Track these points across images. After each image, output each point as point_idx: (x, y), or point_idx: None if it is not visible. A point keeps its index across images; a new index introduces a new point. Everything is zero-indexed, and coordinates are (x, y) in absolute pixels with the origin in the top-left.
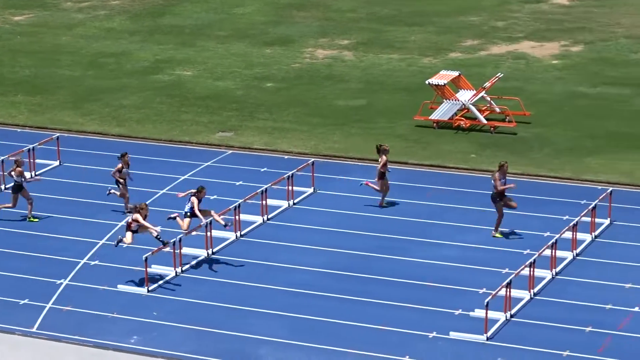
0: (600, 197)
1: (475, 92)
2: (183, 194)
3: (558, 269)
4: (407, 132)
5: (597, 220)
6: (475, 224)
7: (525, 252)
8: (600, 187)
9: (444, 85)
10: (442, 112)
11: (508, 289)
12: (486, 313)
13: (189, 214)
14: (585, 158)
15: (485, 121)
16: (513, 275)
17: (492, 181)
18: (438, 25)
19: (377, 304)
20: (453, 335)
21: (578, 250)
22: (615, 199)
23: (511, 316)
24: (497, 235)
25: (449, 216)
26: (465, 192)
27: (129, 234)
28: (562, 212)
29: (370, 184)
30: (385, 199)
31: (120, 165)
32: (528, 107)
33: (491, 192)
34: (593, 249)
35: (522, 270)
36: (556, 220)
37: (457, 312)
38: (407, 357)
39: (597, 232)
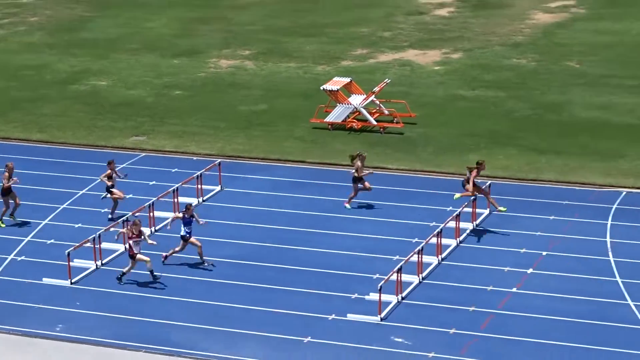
0: None
1: (365, 96)
2: (169, 224)
3: (443, 255)
4: (304, 133)
5: (477, 210)
6: (368, 216)
7: (413, 240)
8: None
9: (337, 90)
10: (336, 115)
11: (399, 274)
12: (380, 296)
13: (187, 236)
14: (466, 154)
15: (375, 122)
16: (403, 262)
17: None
18: (331, 36)
19: (281, 290)
20: (350, 317)
21: (461, 238)
22: (493, 191)
23: (402, 299)
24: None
25: (343, 209)
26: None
27: (134, 263)
28: (446, 203)
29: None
30: (354, 200)
31: (109, 172)
32: (414, 109)
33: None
34: (475, 237)
35: (411, 257)
36: (441, 211)
37: (353, 296)
38: (309, 337)
39: (478, 221)
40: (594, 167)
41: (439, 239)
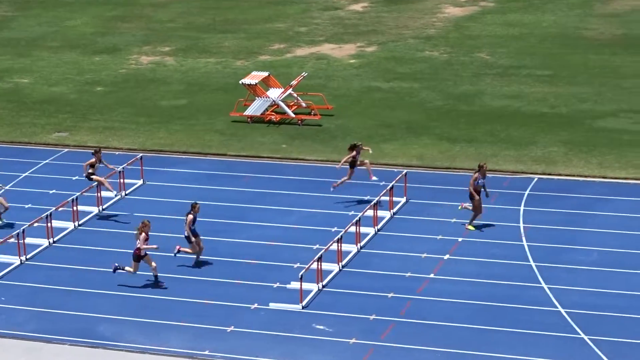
0: (397, 179)
1: (283, 89)
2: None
3: (362, 243)
4: (224, 127)
5: (394, 199)
6: (288, 207)
7: (333, 229)
8: (396, 170)
9: (256, 84)
10: (255, 108)
11: (319, 263)
12: (301, 285)
13: (191, 237)
14: (382, 144)
15: (293, 115)
16: (323, 251)
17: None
18: (248, 31)
19: (203, 281)
20: (272, 305)
21: (379, 226)
22: (409, 179)
23: (323, 287)
24: (471, 227)
25: (264, 200)
26: (278, 178)
27: (137, 265)
28: (364, 193)
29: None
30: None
31: (93, 160)
32: (331, 102)
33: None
34: (393, 225)
35: (331, 245)
36: (359, 201)
37: (275, 285)
38: (232, 327)
39: (395, 210)
40: (506, 154)
41: (358, 227)
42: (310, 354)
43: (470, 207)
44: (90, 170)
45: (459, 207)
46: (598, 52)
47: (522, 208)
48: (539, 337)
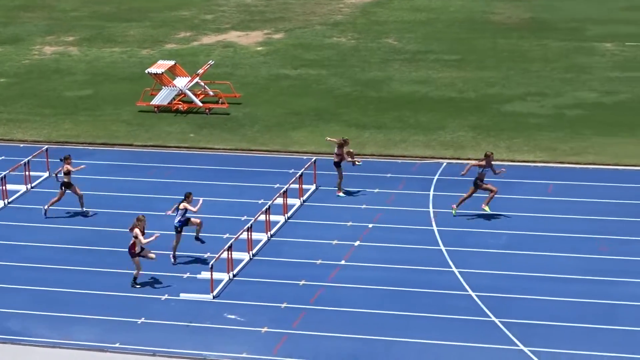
0: (306, 166)
1: (190, 78)
2: (171, 211)
3: (273, 231)
4: (131, 117)
5: (304, 186)
6: (197, 196)
7: (242, 218)
8: (305, 157)
9: (162, 73)
10: (162, 97)
11: (229, 252)
12: (211, 275)
13: (179, 228)
14: (291, 132)
15: (200, 104)
16: (233, 240)
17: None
18: (153, 20)
19: (113, 273)
20: (183, 296)
21: (289, 214)
22: (318, 166)
23: (234, 276)
24: (487, 208)
25: (172, 190)
26: (186, 168)
27: (136, 260)
28: (273, 181)
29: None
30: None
31: (65, 167)
32: (238, 90)
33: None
34: (303, 212)
35: (240, 234)
36: (269, 189)
37: (185, 276)
38: (143, 318)
39: (305, 197)
40: (415, 140)
41: (268, 215)
42: (222, 344)
43: (466, 194)
44: (65, 180)
45: (453, 212)
46: (506, 37)
47: (431, 193)
48: (451, 321)
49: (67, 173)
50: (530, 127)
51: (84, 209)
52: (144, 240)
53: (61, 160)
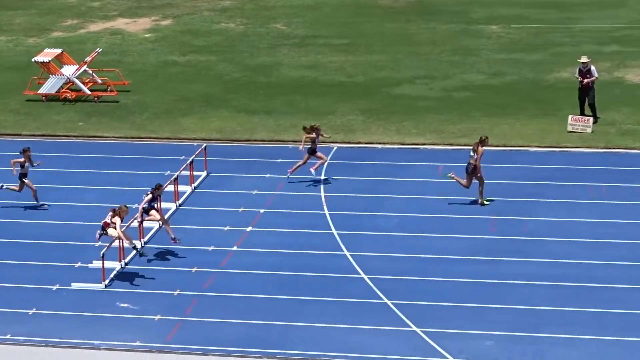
0: (197, 153)
1: (78, 66)
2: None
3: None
4: (18, 106)
5: (195, 173)
6: (90, 185)
7: (133, 206)
8: (195, 144)
9: (49, 62)
10: (49, 86)
11: (120, 241)
12: (103, 264)
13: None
14: (181, 119)
15: (89, 92)
16: (125, 228)
17: (474, 154)
18: (40, 7)
19: (3, 265)
20: (75, 285)
21: (180, 201)
22: (209, 153)
23: (126, 264)
24: (486, 202)
25: (62, 179)
26: (75, 157)
27: (112, 231)
28: (164, 168)
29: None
30: None
31: (22, 159)
32: (127, 77)
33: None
34: (194, 199)
35: (132, 222)
36: (159, 176)
37: (76, 265)
38: (34, 309)
39: (196, 184)
40: (306, 124)
41: (159, 203)
42: (116, 333)
43: (463, 182)
44: (22, 171)
45: (449, 175)
46: (393, 20)
47: (322, 177)
48: (345, 305)
49: (23, 166)
50: (419, 110)
51: None
52: (116, 232)
53: (20, 153)
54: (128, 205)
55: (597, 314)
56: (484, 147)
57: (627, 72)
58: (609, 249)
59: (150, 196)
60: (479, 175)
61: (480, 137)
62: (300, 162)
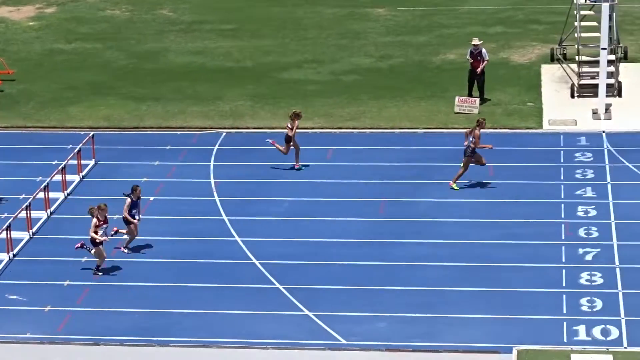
0: (84, 141)
1: None
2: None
3: (52, 209)
4: None
5: (83, 162)
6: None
7: (21, 197)
8: (83, 132)
9: None
10: None
11: (8, 232)
12: None
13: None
14: (68, 107)
15: None
16: (12, 219)
17: (472, 137)
18: None
19: None
20: None
21: (69, 191)
22: (97, 141)
23: (14, 256)
24: (455, 187)
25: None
26: None
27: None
28: (51, 157)
29: (276, 144)
30: None
31: None
32: (11, 66)
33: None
34: (82, 188)
35: (19, 213)
36: (47, 166)
37: None
38: None
39: (84, 173)
40: (194, 111)
41: (47, 193)
42: (6, 325)
43: (282, 148)
44: None
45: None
46: (280, 4)
47: (212, 163)
48: (238, 291)
49: None
50: (308, 94)
51: None
52: (92, 233)
53: None
54: (11, 197)
55: (487, 293)
56: (481, 130)
57: (512, 53)
58: (498, 228)
59: (129, 200)
60: (473, 160)
61: (477, 120)
62: (295, 150)
